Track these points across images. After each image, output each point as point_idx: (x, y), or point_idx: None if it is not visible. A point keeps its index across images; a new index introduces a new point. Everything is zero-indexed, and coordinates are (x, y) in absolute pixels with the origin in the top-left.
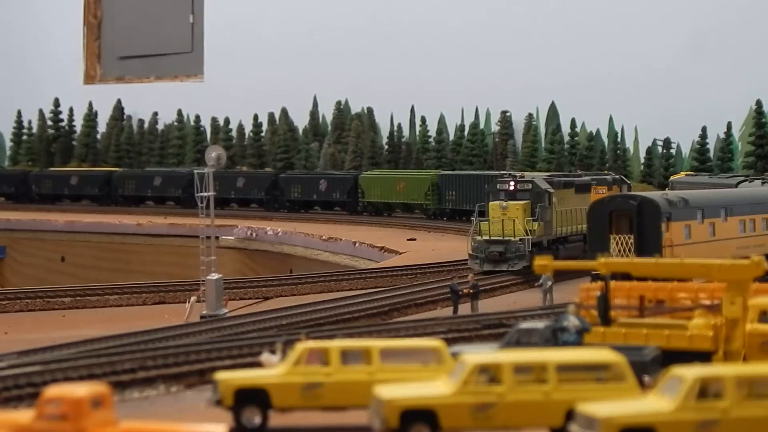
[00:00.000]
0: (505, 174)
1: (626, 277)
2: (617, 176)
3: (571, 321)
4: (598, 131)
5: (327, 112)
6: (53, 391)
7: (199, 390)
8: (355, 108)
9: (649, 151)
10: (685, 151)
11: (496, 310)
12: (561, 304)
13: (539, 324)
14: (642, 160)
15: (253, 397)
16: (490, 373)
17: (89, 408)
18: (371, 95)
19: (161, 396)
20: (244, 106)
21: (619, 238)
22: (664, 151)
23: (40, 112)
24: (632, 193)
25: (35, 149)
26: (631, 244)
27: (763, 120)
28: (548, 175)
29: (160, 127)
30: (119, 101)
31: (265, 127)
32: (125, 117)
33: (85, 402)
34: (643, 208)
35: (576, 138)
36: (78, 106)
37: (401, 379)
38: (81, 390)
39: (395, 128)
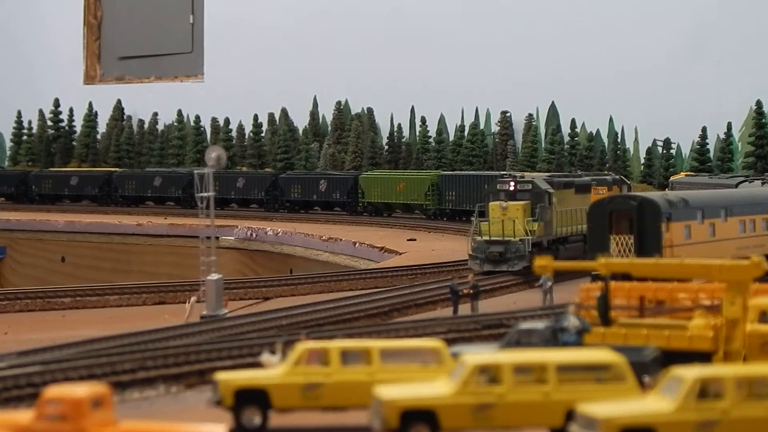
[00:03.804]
0: (505, 174)
1: (626, 277)
2: (617, 176)
3: (571, 321)
4: (598, 131)
5: (327, 113)
6: (53, 391)
7: (199, 390)
8: (355, 108)
9: (649, 151)
10: (685, 151)
11: (496, 311)
12: (561, 304)
13: (539, 324)
14: (642, 161)
15: (253, 398)
16: (490, 374)
17: (89, 408)
18: (371, 95)
19: (161, 396)
20: (244, 106)
21: (619, 238)
22: (664, 151)
23: (40, 112)
24: (632, 193)
25: (35, 149)
26: (631, 244)
27: (763, 120)
28: (548, 176)
29: (160, 127)
30: (119, 101)
31: (265, 127)
32: (125, 117)
33: (85, 402)
34: (643, 208)
35: (576, 138)
36: (78, 106)
37: (401, 379)
38: (81, 390)
39: (395, 128)
